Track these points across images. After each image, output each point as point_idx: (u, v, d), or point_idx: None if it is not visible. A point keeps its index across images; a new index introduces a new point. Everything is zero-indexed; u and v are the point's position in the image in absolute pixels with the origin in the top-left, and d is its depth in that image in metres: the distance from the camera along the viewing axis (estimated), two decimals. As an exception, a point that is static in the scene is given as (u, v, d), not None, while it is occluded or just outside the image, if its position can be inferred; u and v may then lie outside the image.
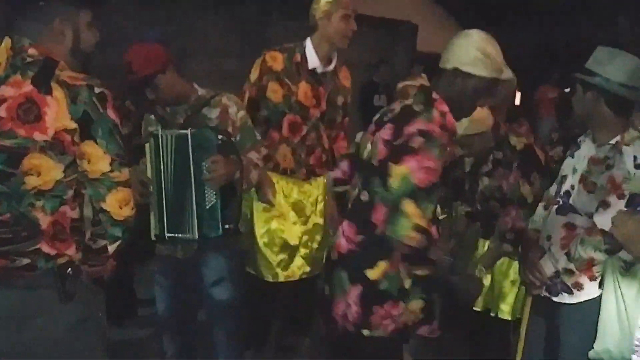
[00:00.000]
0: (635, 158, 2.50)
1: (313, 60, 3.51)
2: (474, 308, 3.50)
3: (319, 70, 3.54)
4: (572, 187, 2.68)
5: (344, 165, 2.75)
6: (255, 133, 3.08)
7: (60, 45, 1.99)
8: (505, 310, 3.46)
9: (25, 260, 1.87)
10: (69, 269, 1.92)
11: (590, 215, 2.57)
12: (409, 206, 2.15)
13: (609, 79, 2.54)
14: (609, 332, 2.51)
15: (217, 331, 3.12)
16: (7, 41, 1.94)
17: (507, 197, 3.30)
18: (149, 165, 2.85)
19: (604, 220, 2.48)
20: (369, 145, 2.44)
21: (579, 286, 2.63)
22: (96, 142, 1.90)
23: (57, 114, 1.86)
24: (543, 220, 2.88)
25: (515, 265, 3.42)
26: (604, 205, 2.51)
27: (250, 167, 2.94)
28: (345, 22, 3.45)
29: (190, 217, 2.78)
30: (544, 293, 2.74)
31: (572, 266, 2.58)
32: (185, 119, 2.92)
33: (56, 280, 1.90)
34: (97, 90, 1.91)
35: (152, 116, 3.01)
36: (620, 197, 2.48)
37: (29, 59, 1.90)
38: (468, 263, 3.39)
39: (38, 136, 1.84)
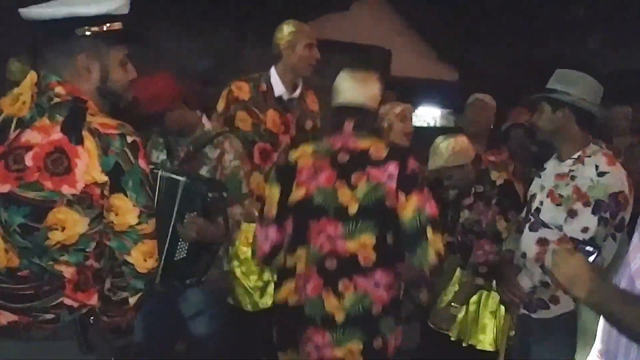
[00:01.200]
0: (597, 167, 2.60)
1: (279, 88, 3.56)
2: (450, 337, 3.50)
3: (285, 97, 3.58)
4: (541, 203, 2.78)
5: (272, 231, 2.52)
6: (242, 186, 2.99)
7: (86, 83, 1.83)
8: (485, 341, 3.45)
9: (49, 316, 1.75)
10: (92, 317, 1.81)
11: (560, 228, 2.64)
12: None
13: (581, 98, 2.66)
14: (589, 341, 2.53)
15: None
16: (32, 76, 1.78)
17: (481, 231, 3.34)
18: None
19: (572, 229, 2.59)
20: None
21: (555, 300, 2.68)
22: (126, 195, 1.76)
23: (87, 166, 1.71)
24: (515, 241, 2.93)
25: (495, 295, 3.42)
26: (572, 213, 2.60)
27: (234, 226, 2.88)
28: (309, 51, 3.51)
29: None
30: (523, 311, 2.77)
31: (547, 279, 2.61)
32: (187, 153, 2.89)
33: (77, 331, 1.78)
34: (129, 139, 1.77)
35: (161, 139, 2.97)
36: (586, 204, 2.57)
37: (56, 99, 1.74)
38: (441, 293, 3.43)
39: (66, 189, 1.69)
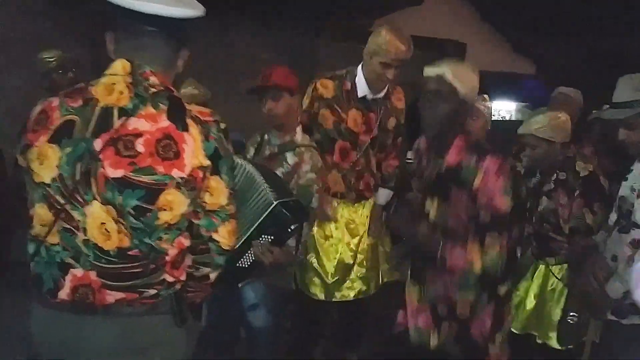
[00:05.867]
0: None
1: (363, 89, 3.56)
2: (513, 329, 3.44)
3: (369, 97, 3.57)
4: (632, 205, 2.65)
5: None
6: (313, 201, 3.01)
7: (172, 77, 1.98)
8: (554, 338, 3.37)
9: (152, 291, 1.87)
10: (184, 294, 1.94)
11: None
12: None
13: None
14: None
15: (254, 351, 3.15)
16: (124, 65, 1.87)
17: (572, 227, 3.22)
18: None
19: None
20: None
21: None
22: (220, 177, 1.90)
23: (193, 151, 1.83)
24: (604, 243, 2.83)
25: (564, 291, 3.34)
26: None
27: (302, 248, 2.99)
28: (383, 69, 3.48)
29: None
30: (610, 316, 2.68)
31: None
32: (271, 153, 3.04)
33: (173, 304, 1.90)
34: (222, 126, 1.93)
35: (259, 137, 3.18)
36: None
37: (152, 90, 1.85)
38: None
39: (176, 173, 1.81)
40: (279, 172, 2.98)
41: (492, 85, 11.71)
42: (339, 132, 3.57)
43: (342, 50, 3.68)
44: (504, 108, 14.00)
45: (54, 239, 1.84)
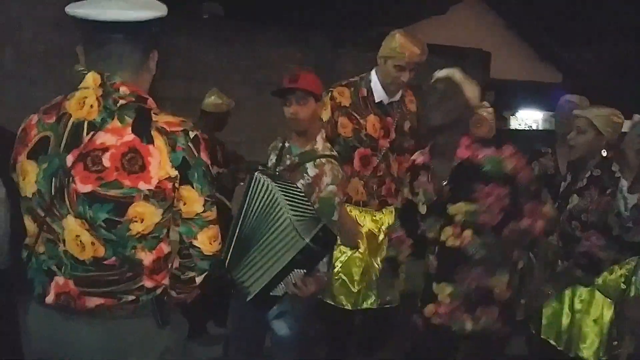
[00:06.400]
0: None
1: (379, 94, 3.55)
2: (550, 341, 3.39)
3: (386, 102, 3.57)
4: None
5: None
6: (335, 214, 2.96)
7: (148, 79, 1.98)
8: (586, 352, 3.30)
9: (131, 297, 1.89)
10: (165, 297, 1.95)
11: None
12: None
13: None
14: None
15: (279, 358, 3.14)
16: (95, 78, 1.89)
17: (591, 222, 3.17)
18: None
19: None
20: None
21: None
22: (192, 186, 1.89)
23: (160, 163, 1.83)
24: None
25: (597, 302, 3.28)
26: None
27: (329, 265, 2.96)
28: (397, 71, 3.47)
29: (252, 280, 2.74)
30: None
31: None
32: (291, 163, 2.99)
33: (154, 308, 1.93)
34: (191, 134, 1.89)
35: (280, 144, 3.09)
36: None
37: (121, 101, 1.86)
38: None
39: (143, 186, 1.81)
40: (300, 184, 2.96)
41: (517, 94, 11.64)
42: (359, 140, 3.54)
43: (364, 59, 3.66)
44: (530, 117, 13.91)
45: (41, 248, 1.89)
